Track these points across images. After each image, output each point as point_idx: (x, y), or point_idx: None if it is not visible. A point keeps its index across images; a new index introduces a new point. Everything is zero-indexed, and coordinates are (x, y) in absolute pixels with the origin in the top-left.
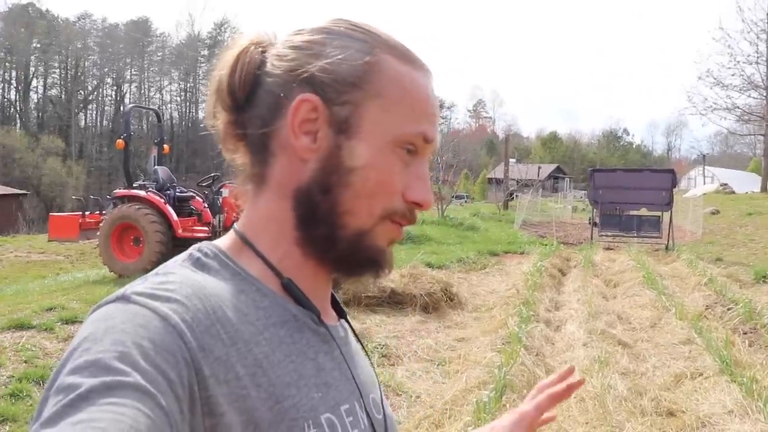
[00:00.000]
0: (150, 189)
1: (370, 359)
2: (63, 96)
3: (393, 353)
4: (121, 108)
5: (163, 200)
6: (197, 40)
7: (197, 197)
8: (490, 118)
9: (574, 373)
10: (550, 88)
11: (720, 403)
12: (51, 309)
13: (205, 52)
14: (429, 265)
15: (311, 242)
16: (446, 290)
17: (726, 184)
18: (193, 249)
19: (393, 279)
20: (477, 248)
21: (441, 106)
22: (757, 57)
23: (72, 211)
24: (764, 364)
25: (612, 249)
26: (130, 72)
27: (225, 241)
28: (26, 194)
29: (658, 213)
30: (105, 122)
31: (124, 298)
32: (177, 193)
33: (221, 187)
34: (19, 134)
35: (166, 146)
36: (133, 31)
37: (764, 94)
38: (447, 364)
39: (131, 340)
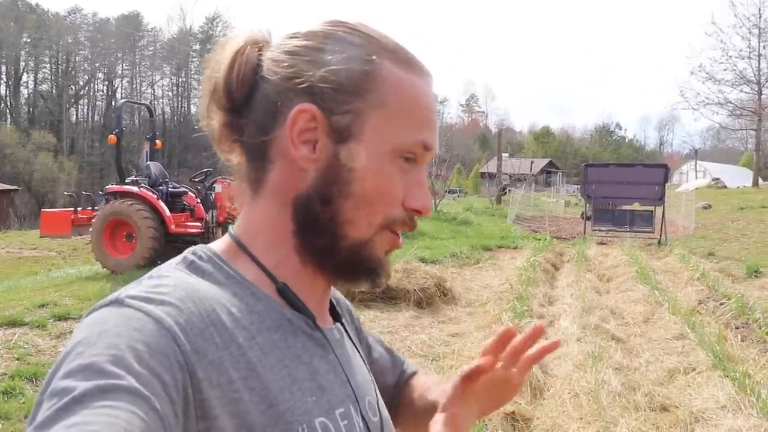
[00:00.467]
0: (142, 184)
1: (365, 361)
2: (54, 91)
3: None
4: (113, 103)
5: (155, 196)
6: (189, 34)
7: (190, 193)
8: (483, 112)
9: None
10: (542, 83)
11: (713, 398)
12: (43, 305)
13: (197, 47)
14: (422, 260)
15: (311, 251)
16: (440, 285)
17: (718, 179)
18: (187, 252)
19: None
20: (470, 243)
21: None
22: (749, 52)
23: (64, 207)
24: (756, 359)
25: (605, 244)
26: (122, 67)
27: (220, 245)
28: (17, 190)
29: (651, 208)
30: (97, 117)
31: (118, 302)
32: (170, 189)
33: (214, 183)
34: (9, 129)
35: (158, 141)
36: (124, 26)
37: (756, 89)
38: (441, 360)
39: (125, 344)
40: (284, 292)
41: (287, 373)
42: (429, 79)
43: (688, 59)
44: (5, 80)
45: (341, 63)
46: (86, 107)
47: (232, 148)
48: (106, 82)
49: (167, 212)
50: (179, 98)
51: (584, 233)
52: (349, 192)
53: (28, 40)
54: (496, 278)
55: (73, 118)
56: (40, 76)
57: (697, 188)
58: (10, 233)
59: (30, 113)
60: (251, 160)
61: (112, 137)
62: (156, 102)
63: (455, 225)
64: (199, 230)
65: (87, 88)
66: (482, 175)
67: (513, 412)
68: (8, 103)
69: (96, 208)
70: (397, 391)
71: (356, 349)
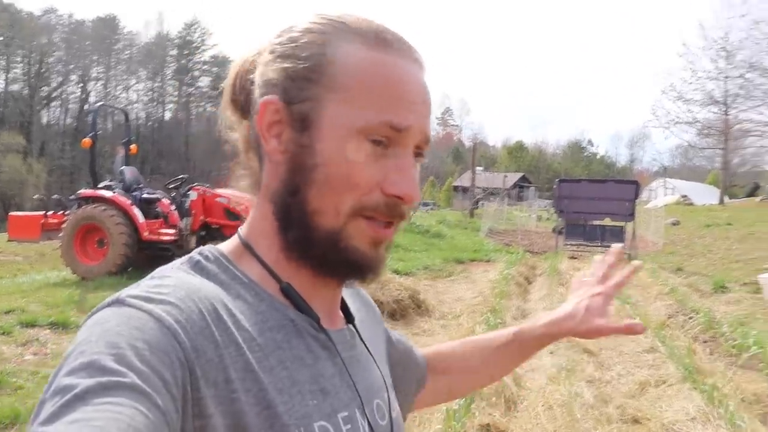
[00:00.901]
0: (116, 190)
1: (377, 363)
2: (26, 92)
3: None
4: (86, 106)
5: (129, 202)
6: (166, 39)
7: (164, 199)
8: (457, 126)
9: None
10: (517, 98)
11: (683, 410)
12: (9, 312)
13: (174, 52)
14: (396, 271)
15: (290, 246)
16: (414, 297)
17: (686, 196)
18: (194, 252)
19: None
20: (443, 255)
21: None
22: (717, 73)
23: (32, 211)
24: (724, 372)
25: (576, 258)
26: (97, 70)
27: (228, 245)
28: None
29: (622, 223)
30: (69, 120)
31: (119, 302)
32: (144, 195)
33: (189, 190)
34: None
35: (133, 146)
36: (100, 29)
37: (723, 110)
38: None
39: (126, 342)
40: (288, 292)
41: (287, 375)
42: (406, 57)
43: (658, 78)
44: None
45: (297, 50)
46: (59, 109)
47: (250, 157)
48: (81, 85)
49: (141, 219)
50: (155, 103)
51: (556, 247)
52: (312, 180)
53: (0, 38)
54: (469, 291)
55: (45, 120)
56: (11, 75)
57: (666, 205)
58: None
59: None
60: (257, 161)
61: (86, 140)
62: (131, 106)
63: (428, 237)
64: (173, 238)
65: (60, 90)
66: (455, 188)
67: (488, 424)
68: None
69: (67, 212)
70: (426, 379)
71: (368, 350)
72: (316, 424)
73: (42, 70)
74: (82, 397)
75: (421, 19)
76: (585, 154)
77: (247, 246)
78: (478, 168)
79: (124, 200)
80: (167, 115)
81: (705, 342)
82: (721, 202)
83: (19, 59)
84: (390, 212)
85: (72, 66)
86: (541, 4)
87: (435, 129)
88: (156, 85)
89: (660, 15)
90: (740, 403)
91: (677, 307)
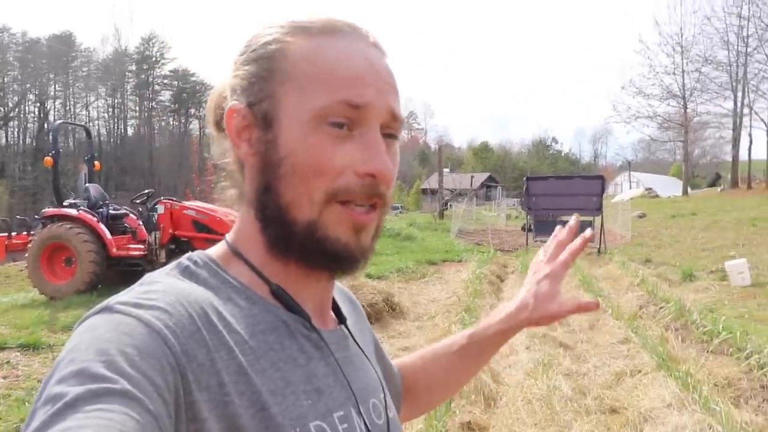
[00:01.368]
0: (81, 207)
1: (372, 363)
2: None
3: None
4: (46, 125)
5: (95, 218)
6: (124, 54)
7: (131, 214)
8: (422, 129)
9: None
10: (480, 99)
11: (659, 398)
12: None
13: (133, 67)
14: (369, 275)
15: (273, 244)
16: (388, 300)
17: (651, 189)
18: (183, 258)
19: None
20: (415, 258)
21: None
22: (674, 68)
23: None
24: (696, 358)
25: None
26: (54, 88)
27: (216, 251)
28: None
29: (590, 218)
30: (29, 140)
31: (108, 309)
32: (110, 211)
33: (156, 204)
34: None
35: (96, 163)
36: (56, 46)
37: (682, 103)
38: None
39: (116, 348)
40: (278, 294)
41: (280, 376)
42: (359, 40)
43: (618, 75)
44: None
45: (252, 55)
46: (17, 129)
47: (237, 171)
48: (38, 104)
49: (108, 235)
50: (115, 120)
51: (527, 245)
52: (281, 173)
53: None
54: (443, 291)
55: (3, 141)
56: None
57: (631, 198)
58: None
59: None
60: (242, 176)
61: (48, 159)
62: (92, 123)
63: (399, 241)
64: (142, 252)
65: (17, 109)
66: (423, 191)
67: (469, 422)
68: None
69: (32, 232)
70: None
71: (362, 351)
72: (312, 424)
73: None
74: (73, 405)
75: (381, 23)
76: (550, 151)
77: (234, 251)
78: (444, 170)
79: (91, 217)
80: (130, 131)
81: (677, 330)
82: (685, 193)
83: None
84: (366, 193)
85: (28, 85)
86: (499, 6)
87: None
88: (116, 101)
89: (617, 12)
90: (713, 388)
91: (648, 297)
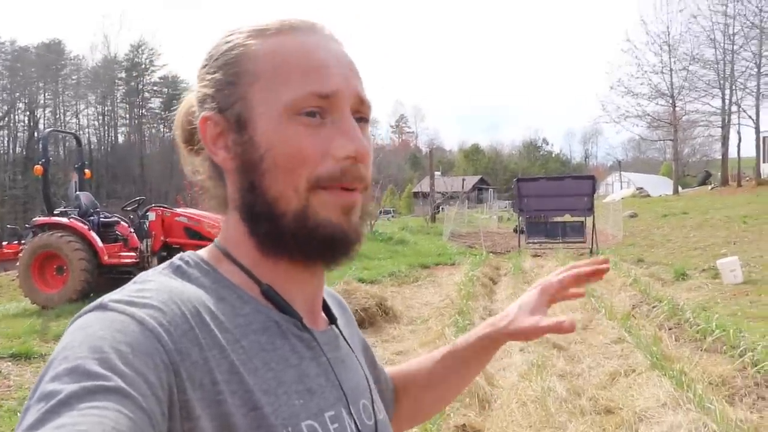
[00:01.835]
0: (72, 215)
1: (362, 364)
2: None
3: None
4: (36, 134)
5: (86, 227)
6: (114, 62)
7: (122, 222)
8: (413, 133)
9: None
10: (470, 102)
11: (654, 397)
12: None
13: (123, 75)
14: (361, 280)
15: (263, 242)
16: (381, 304)
17: (641, 188)
18: (175, 258)
19: None
20: (408, 261)
21: None
22: (662, 67)
23: None
24: (690, 357)
25: (539, 256)
26: (44, 96)
27: (206, 252)
28: None
29: (581, 218)
30: (18, 149)
31: (102, 307)
32: (101, 219)
33: (147, 211)
34: None
35: (87, 171)
36: (45, 54)
37: (670, 102)
38: None
39: (109, 345)
40: (269, 294)
41: (273, 376)
42: (316, 34)
43: (607, 75)
44: None
45: (216, 63)
46: (6, 139)
47: (216, 184)
48: (28, 113)
49: (99, 243)
50: (106, 127)
51: (519, 247)
52: (264, 170)
53: None
54: (436, 295)
55: None
56: None
57: (623, 198)
58: None
59: None
60: (219, 180)
61: (38, 168)
62: (81, 131)
63: (392, 245)
64: (134, 260)
65: (7, 119)
66: (415, 194)
67: (463, 425)
68: None
69: (23, 241)
70: (394, 396)
71: (353, 351)
72: (304, 424)
73: None
74: (67, 402)
75: (370, 28)
76: (540, 152)
77: (224, 252)
78: (436, 173)
79: (82, 225)
80: (120, 138)
81: (670, 329)
82: (676, 192)
83: None
84: (348, 177)
85: (18, 94)
86: (487, 8)
87: (391, 137)
88: (106, 108)
89: (605, 11)
90: (708, 386)
91: (641, 297)
